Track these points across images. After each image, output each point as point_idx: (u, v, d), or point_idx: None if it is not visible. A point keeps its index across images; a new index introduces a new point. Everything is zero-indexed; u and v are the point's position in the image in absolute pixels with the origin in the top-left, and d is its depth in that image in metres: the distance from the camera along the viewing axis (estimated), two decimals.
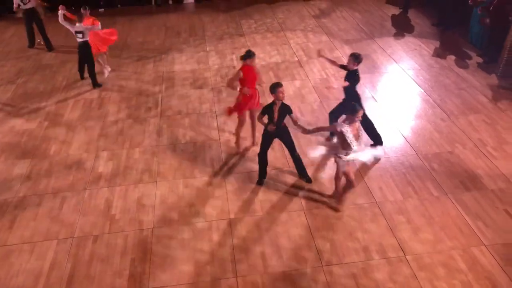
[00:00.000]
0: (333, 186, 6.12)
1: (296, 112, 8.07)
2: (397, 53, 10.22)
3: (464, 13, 10.70)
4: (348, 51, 10.38)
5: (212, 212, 6.03)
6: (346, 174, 5.82)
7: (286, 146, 6.36)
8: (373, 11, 12.80)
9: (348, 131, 5.42)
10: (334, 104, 8.27)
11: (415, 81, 9.00)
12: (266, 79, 9.28)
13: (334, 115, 7.05)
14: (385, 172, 6.60)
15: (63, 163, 7.07)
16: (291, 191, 6.33)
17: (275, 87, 5.87)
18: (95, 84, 9.16)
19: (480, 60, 9.71)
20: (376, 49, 10.47)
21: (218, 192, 6.36)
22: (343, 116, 6.04)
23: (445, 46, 10.48)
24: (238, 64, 9.94)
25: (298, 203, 6.10)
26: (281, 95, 5.88)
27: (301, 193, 6.29)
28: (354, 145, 5.48)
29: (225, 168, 6.81)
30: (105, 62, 9.60)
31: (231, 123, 7.87)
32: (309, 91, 8.84)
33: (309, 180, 6.46)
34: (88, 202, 6.28)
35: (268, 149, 6.34)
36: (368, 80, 9.11)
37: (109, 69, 9.58)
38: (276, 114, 5.99)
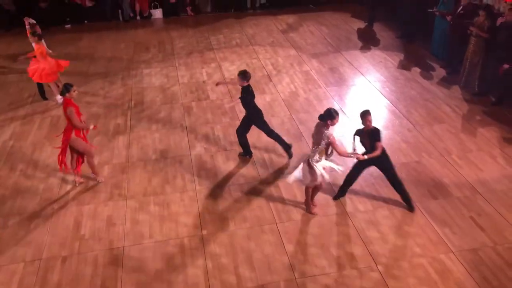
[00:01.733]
0: (304, 195, 6.18)
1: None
2: (364, 66, 10.46)
3: (426, 25, 11.07)
4: (316, 64, 10.58)
5: (183, 229, 5.97)
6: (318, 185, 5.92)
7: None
8: (340, 25, 13.09)
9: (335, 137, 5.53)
10: (304, 117, 8.42)
11: (381, 93, 9.22)
12: (236, 94, 9.32)
13: (240, 131, 7.08)
14: (355, 183, 6.68)
15: (30, 182, 6.89)
16: (263, 204, 6.34)
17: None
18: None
19: (443, 71, 10.04)
20: (343, 62, 10.69)
21: (190, 208, 6.31)
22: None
23: (409, 58, 10.79)
24: (208, 79, 9.99)
25: (271, 216, 6.12)
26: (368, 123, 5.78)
27: (273, 205, 6.31)
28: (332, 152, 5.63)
29: (197, 183, 6.78)
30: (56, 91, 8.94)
31: (202, 137, 7.86)
32: (279, 104, 8.93)
33: (411, 208, 6.16)
34: (56, 222, 6.13)
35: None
36: (336, 93, 9.28)
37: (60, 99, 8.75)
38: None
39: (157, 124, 8.35)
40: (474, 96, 8.97)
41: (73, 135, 6.40)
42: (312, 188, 6.05)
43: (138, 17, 14.00)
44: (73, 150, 6.54)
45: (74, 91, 6.39)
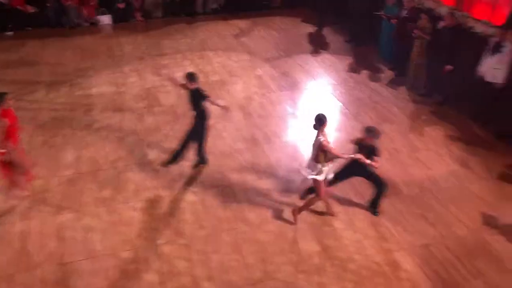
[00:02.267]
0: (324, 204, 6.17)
1: (221, 131, 8.13)
2: (315, 70, 10.63)
3: (374, 29, 11.38)
4: (268, 69, 10.65)
5: (138, 238, 5.82)
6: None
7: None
8: (290, 29, 13.24)
9: (328, 142, 5.47)
10: (258, 121, 8.44)
11: (333, 96, 9.39)
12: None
13: (190, 138, 6.92)
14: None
15: None
16: (220, 209, 6.29)
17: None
18: None
19: (390, 73, 10.36)
20: (295, 66, 10.82)
21: (144, 217, 6.17)
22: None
23: (358, 61, 11.07)
24: (160, 85, 9.83)
25: (228, 221, 6.07)
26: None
27: (230, 210, 6.27)
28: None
29: (151, 192, 6.64)
30: None
31: (155, 144, 7.72)
32: (233, 109, 8.91)
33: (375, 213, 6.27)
34: (1, 239, 5.81)
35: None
36: (289, 97, 9.38)
37: None
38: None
39: (107, 132, 8.12)
40: (421, 97, 9.31)
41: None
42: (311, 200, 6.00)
43: (85, 23, 13.58)
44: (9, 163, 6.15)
45: (9, 100, 6.06)
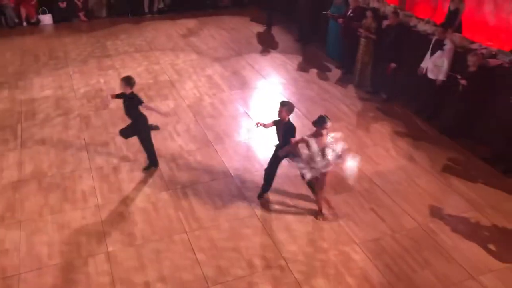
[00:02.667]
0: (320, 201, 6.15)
1: (172, 132, 7.99)
2: (265, 69, 10.67)
3: (321, 28, 11.58)
4: (218, 69, 10.58)
5: (87, 247, 5.61)
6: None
7: None
8: (239, 29, 13.23)
9: (313, 143, 5.46)
10: (209, 122, 8.36)
11: (283, 95, 9.46)
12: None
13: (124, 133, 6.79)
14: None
15: None
16: (172, 214, 6.17)
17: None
18: None
19: (338, 71, 10.57)
20: (245, 65, 10.81)
21: (93, 225, 5.95)
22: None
23: (307, 60, 11.21)
24: (106, 87, 9.53)
25: (180, 226, 5.97)
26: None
27: (182, 214, 6.17)
28: (318, 159, 5.53)
29: (99, 198, 6.42)
30: None
31: (103, 149, 7.47)
32: (184, 110, 8.78)
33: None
34: None
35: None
36: (240, 96, 9.36)
37: None
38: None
39: (52, 137, 7.78)
40: (368, 94, 9.55)
41: None
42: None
43: (24, 23, 12.96)
44: None
45: None
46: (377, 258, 5.57)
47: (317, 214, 6.18)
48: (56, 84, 9.63)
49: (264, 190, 6.49)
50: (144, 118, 6.66)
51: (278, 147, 6.24)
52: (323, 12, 10.73)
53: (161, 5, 14.36)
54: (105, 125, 8.18)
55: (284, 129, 6.04)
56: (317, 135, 5.68)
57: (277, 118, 6.13)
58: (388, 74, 8.99)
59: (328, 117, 5.69)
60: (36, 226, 5.89)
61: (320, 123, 5.67)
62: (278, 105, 6.02)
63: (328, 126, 5.65)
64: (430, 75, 8.16)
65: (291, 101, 8.66)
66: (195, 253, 5.55)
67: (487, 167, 7.32)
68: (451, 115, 8.05)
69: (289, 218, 6.18)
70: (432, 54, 8.05)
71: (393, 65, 8.77)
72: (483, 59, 7.53)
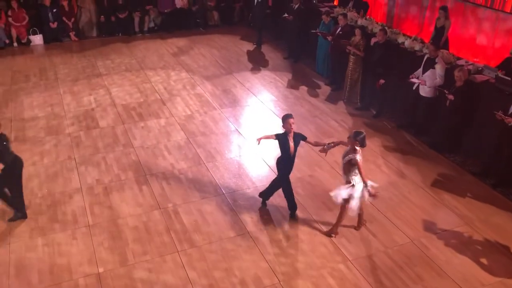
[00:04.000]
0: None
1: (163, 150, 7.98)
2: (255, 87, 10.74)
3: (309, 46, 11.71)
4: (209, 87, 10.64)
5: (78, 268, 5.54)
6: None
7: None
8: (229, 47, 13.34)
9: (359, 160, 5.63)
10: (202, 140, 8.37)
11: (273, 112, 9.52)
12: (129, 119, 9.02)
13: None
14: (254, 202, 6.77)
15: None
16: (163, 233, 6.13)
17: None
18: None
19: (328, 88, 10.67)
20: (235, 83, 10.88)
21: (83, 246, 5.88)
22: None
23: (296, 77, 11.32)
24: (97, 106, 9.54)
25: (172, 245, 5.93)
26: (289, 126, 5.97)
27: (173, 234, 6.13)
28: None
29: (90, 219, 6.36)
30: None
31: (94, 168, 7.44)
32: (175, 128, 8.79)
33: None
34: None
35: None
36: (231, 114, 9.40)
37: None
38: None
39: (42, 158, 7.73)
40: (357, 110, 9.64)
41: None
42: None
43: (15, 44, 12.97)
44: None
45: None
46: (370, 274, 5.56)
47: (331, 231, 6.17)
48: (46, 104, 9.61)
49: (292, 209, 6.46)
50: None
51: (282, 164, 6.28)
52: (313, 31, 10.86)
53: (152, 25, 14.45)
54: (96, 144, 8.16)
55: (296, 139, 6.15)
56: (353, 150, 5.75)
57: (280, 132, 6.18)
58: (377, 90, 9.10)
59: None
60: (26, 248, 5.82)
61: (355, 136, 5.71)
62: (283, 119, 6.08)
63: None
64: (421, 92, 8.25)
65: (281, 117, 8.72)
66: (187, 273, 5.51)
67: (476, 181, 7.39)
68: (440, 130, 8.14)
69: (281, 236, 6.17)
70: (424, 72, 8.14)
71: (381, 81, 8.88)
72: (469, 75, 7.66)
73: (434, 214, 6.66)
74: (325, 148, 6.17)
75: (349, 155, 5.71)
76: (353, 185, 5.77)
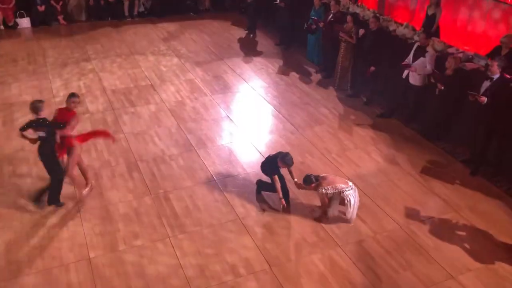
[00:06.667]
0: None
1: (153, 136, 7.94)
2: (246, 73, 10.70)
3: (301, 32, 11.65)
4: (200, 73, 10.57)
5: (68, 254, 5.53)
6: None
7: None
8: (220, 33, 13.24)
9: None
10: (193, 126, 8.35)
11: (265, 99, 9.50)
12: (119, 105, 8.95)
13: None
14: (245, 188, 6.79)
15: None
16: (155, 219, 6.14)
17: None
18: None
19: (319, 75, 10.66)
20: (226, 69, 10.82)
21: (74, 232, 5.87)
22: None
23: (288, 64, 11.28)
24: (86, 91, 9.44)
25: (163, 231, 5.94)
26: None
27: (165, 220, 6.14)
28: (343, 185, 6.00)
29: (80, 204, 6.33)
30: None
31: (84, 154, 7.37)
32: (165, 114, 8.74)
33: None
34: None
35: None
36: (221, 100, 9.36)
37: None
38: None
39: (31, 144, 7.63)
40: (348, 97, 9.66)
41: None
42: None
43: (1, 27, 12.73)
44: None
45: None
46: (360, 260, 5.63)
47: (321, 218, 6.27)
48: (35, 88, 9.48)
49: (285, 196, 6.43)
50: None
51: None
52: (312, 18, 10.56)
53: (142, 9, 14.27)
54: (86, 130, 8.06)
55: None
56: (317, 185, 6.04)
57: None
58: (368, 77, 9.12)
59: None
60: (16, 236, 5.79)
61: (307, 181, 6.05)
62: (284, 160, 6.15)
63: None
64: (411, 80, 8.27)
65: (272, 104, 8.79)
66: (178, 259, 5.53)
67: (465, 168, 7.48)
68: (430, 117, 8.20)
69: (272, 222, 6.21)
70: (414, 60, 8.15)
71: (372, 68, 8.89)
72: (460, 63, 7.69)
73: (423, 201, 6.74)
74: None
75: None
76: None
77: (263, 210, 6.38)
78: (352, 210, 6.07)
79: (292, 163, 6.21)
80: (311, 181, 6.04)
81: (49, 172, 6.08)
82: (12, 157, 7.29)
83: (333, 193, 5.99)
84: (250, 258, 5.60)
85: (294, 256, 5.66)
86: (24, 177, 6.87)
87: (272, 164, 6.26)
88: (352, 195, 6.02)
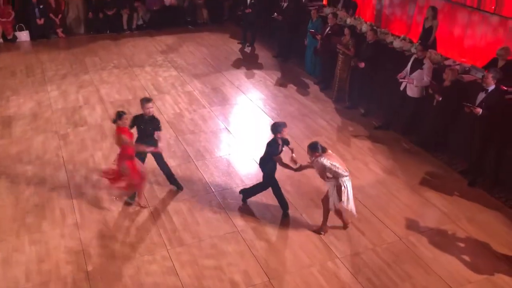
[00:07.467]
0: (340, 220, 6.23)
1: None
2: (245, 85, 10.74)
3: (299, 45, 11.73)
4: (198, 85, 10.61)
5: (66, 266, 5.49)
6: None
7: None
8: (218, 45, 13.32)
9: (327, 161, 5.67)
10: (191, 138, 8.35)
11: (263, 111, 9.53)
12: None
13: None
14: (237, 197, 6.78)
15: None
16: (153, 231, 6.11)
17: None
18: None
19: (317, 87, 10.71)
20: (224, 82, 10.87)
21: (71, 243, 5.84)
22: None
23: (285, 76, 11.34)
24: (85, 103, 9.45)
25: (161, 243, 5.91)
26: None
27: (163, 231, 6.11)
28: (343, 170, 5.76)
29: (78, 216, 6.31)
30: None
31: (82, 166, 7.37)
32: (164, 126, 8.64)
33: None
34: None
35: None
36: (220, 112, 9.39)
37: None
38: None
39: (29, 155, 7.64)
40: (346, 109, 9.69)
41: None
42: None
43: (0, 40, 12.79)
44: None
45: (126, 119, 6.07)
46: (359, 272, 5.60)
47: (320, 229, 6.21)
48: (33, 101, 9.50)
49: (284, 208, 6.46)
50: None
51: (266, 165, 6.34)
52: (310, 31, 10.64)
53: (140, 22, 14.37)
54: (84, 141, 8.09)
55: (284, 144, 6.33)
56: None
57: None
58: (365, 89, 9.16)
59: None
60: (13, 246, 5.75)
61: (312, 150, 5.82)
62: (277, 128, 6.14)
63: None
64: (409, 92, 8.31)
65: (270, 115, 8.81)
66: (176, 271, 5.50)
67: (463, 179, 7.48)
68: (427, 129, 8.23)
69: (271, 234, 6.18)
70: (411, 72, 8.19)
71: (361, 64, 8.87)
72: (457, 75, 7.75)
73: (421, 212, 6.73)
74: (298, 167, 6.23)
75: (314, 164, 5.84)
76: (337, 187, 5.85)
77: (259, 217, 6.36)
78: (350, 199, 5.90)
79: (285, 125, 6.20)
80: (316, 149, 5.76)
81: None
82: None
83: (333, 171, 5.74)
84: (249, 270, 5.56)
85: (293, 268, 5.63)
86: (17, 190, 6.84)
87: (270, 147, 6.17)
88: (348, 183, 5.87)
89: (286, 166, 6.21)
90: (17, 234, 5.96)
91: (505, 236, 6.30)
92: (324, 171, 5.76)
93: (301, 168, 6.18)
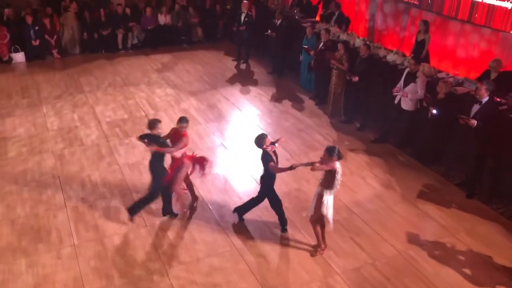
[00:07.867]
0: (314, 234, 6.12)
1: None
2: (240, 101, 10.78)
3: (293, 61, 11.82)
4: (194, 102, 10.64)
5: None
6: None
7: None
8: (213, 63, 13.40)
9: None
10: None
11: (259, 126, 9.55)
12: (113, 136, 8.96)
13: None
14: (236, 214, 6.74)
15: None
16: (151, 252, 6.06)
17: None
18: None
19: (312, 102, 10.76)
20: (220, 98, 10.91)
21: (69, 267, 5.77)
22: None
23: (281, 91, 11.40)
24: (81, 124, 9.44)
25: (159, 263, 5.85)
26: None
27: (161, 252, 6.06)
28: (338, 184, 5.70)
29: (75, 238, 6.25)
30: None
31: (78, 186, 7.34)
32: None
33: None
34: None
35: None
36: (216, 129, 9.40)
37: None
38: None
39: (25, 177, 7.60)
40: (342, 123, 9.73)
41: None
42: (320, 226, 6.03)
43: None
44: None
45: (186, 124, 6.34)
46: (359, 287, 5.56)
47: (318, 248, 6.14)
48: (29, 122, 9.49)
49: (283, 224, 6.44)
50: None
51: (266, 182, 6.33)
52: (304, 47, 10.75)
53: (135, 41, 14.45)
54: (80, 161, 8.07)
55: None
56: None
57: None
58: (360, 103, 9.20)
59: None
60: (8, 269, 5.69)
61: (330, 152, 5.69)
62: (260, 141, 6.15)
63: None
64: (403, 105, 8.36)
65: (267, 131, 8.83)
66: None
67: (460, 191, 7.48)
68: (423, 141, 8.25)
69: (270, 251, 6.14)
70: (405, 85, 8.24)
71: (355, 78, 8.93)
72: (451, 87, 7.80)
73: (420, 225, 6.71)
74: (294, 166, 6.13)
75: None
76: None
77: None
78: (330, 208, 5.80)
79: (266, 134, 6.25)
80: (333, 153, 5.64)
81: (151, 184, 6.43)
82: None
83: (333, 179, 5.66)
84: None
85: (293, 285, 5.58)
86: (13, 211, 6.79)
87: (265, 159, 6.16)
88: (330, 196, 5.79)
89: (282, 170, 6.18)
90: (13, 257, 5.89)
91: (505, 247, 6.28)
92: (330, 174, 5.70)
93: (294, 166, 6.07)
